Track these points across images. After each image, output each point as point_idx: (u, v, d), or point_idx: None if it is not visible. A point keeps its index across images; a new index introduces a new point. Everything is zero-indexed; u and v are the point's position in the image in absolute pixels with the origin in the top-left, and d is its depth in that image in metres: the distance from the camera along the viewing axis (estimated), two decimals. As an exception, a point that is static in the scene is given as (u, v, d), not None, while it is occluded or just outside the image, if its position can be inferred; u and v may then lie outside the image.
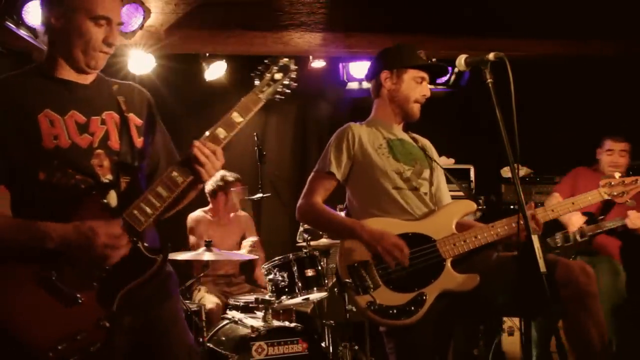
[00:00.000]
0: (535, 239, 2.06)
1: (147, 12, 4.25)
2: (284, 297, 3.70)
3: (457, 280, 2.49)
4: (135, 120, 2.05)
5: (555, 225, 4.17)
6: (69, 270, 1.76)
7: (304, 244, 3.97)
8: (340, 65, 5.64)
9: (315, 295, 3.83)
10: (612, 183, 2.84)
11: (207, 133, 1.88)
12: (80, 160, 1.88)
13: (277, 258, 3.83)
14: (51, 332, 1.72)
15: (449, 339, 2.72)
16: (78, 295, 1.75)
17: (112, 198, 1.86)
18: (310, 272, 3.74)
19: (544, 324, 4.01)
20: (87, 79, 2.01)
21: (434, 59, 2.86)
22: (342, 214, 2.92)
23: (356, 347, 3.97)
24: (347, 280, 2.48)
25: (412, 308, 2.45)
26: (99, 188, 1.87)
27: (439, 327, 2.57)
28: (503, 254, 2.66)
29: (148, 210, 1.83)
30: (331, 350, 3.99)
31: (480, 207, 2.73)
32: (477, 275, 2.48)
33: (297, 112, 5.98)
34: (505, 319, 4.45)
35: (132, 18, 4.22)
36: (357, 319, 3.93)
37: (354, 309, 3.57)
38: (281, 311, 4.15)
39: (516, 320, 4.42)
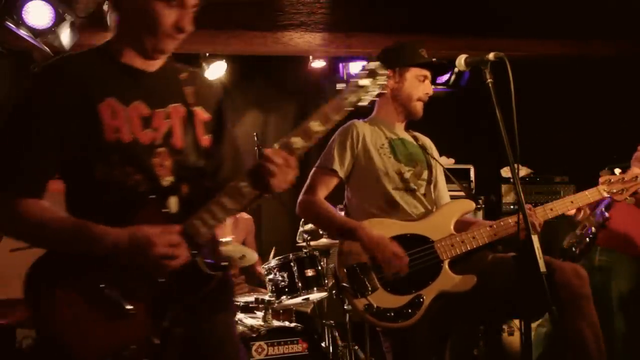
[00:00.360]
0: (535, 239, 2.06)
1: (147, 12, 4.24)
2: (284, 297, 3.70)
3: (455, 281, 2.49)
4: (202, 115, 1.85)
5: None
6: (121, 279, 1.61)
7: (304, 244, 3.97)
8: (340, 65, 5.63)
9: (315, 295, 3.83)
10: (612, 180, 2.83)
11: (280, 141, 1.71)
12: (141, 158, 1.70)
13: (277, 258, 3.83)
14: (97, 344, 1.59)
15: (446, 339, 2.72)
16: (129, 307, 1.60)
17: (173, 204, 1.70)
18: (310, 272, 3.74)
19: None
20: (154, 66, 1.81)
21: (434, 59, 2.85)
22: (342, 213, 2.91)
23: (356, 347, 3.97)
24: (344, 284, 2.48)
25: (410, 310, 2.45)
26: (160, 192, 1.70)
27: (436, 327, 2.57)
28: (499, 254, 2.66)
29: (210, 221, 1.66)
30: (331, 350, 3.98)
31: (479, 206, 2.73)
32: (474, 276, 2.48)
33: (297, 112, 5.97)
34: (505, 318, 4.44)
35: (132, 18, 4.22)
36: (357, 319, 3.92)
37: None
38: (281, 311, 4.15)
39: (516, 320, 4.42)
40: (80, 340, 1.58)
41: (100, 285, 1.59)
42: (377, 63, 1.79)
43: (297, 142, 1.69)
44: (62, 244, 1.63)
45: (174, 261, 1.59)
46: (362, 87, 1.77)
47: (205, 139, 1.84)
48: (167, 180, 1.72)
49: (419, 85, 2.78)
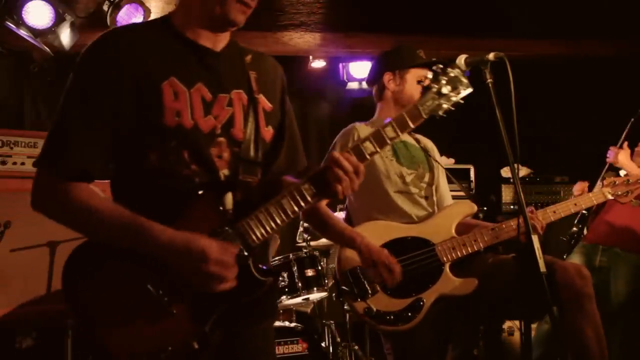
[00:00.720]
0: (535, 239, 2.06)
1: (147, 12, 4.25)
2: (284, 297, 3.69)
3: (455, 284, 2.49)
4: (265, 104, 1.71)
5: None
6: (167, 278, 1.50)
7: (304, 244, 3.97)
8: (340, 65, 5.63)
9: (315, 295, 3.83)
10: (616, 182, 2.82)
11: (351, 144, 1.62)
12: (200, 146, 1.56)
13: (277, 258, 3.83)
14: (134, 343, 1.49)
15: (447, 341, 2.72)
16: (172, 308, 1.50)
17: (228, 200, 1.57)
18: (310, 272, 3.73)
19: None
20: (219, 45, 1.66)
21: (433, 59, 2.85)
22: (342, 214, 2.91)
23: (356, 347, 3.97)
24: (344, 287, 2.47)
25: (410, 314, 2.44)
26: (216, 187, 1.57)
27: (437, 329, 2.57)
28: (500, 256, 2.66)
29: (268, 225, 1.55)
30: (331, 350, 3.98)
31: (481, 209, 2.72)
32: (475, 279, 2.48)
33: (297, 112, 5.90)
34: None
35: (132, 18, 4.23)
36: (357, 319, 3.92)
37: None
38: (281, 311, 4.14)
39: (516, 320, 4.42)
40: (117, 337, 1.49)
41: (148, 285, 1.49)
42: (457, 70, 1.72)
43: (369, 147, 1.61)
44: (110, 236, 1.49)
45: (220, 284, 1.47)
46: (443, 95, 1.69)
47: (267, 132, 1.71)
48: (223, 173, 1.60)
49: (419, 87, 2.78)
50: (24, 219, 3.16)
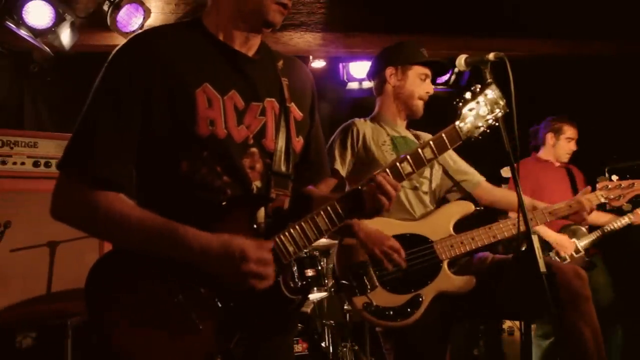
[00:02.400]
0: (535, 238, 2.05)
1: (147, 12, 4.25)
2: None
3: (454, 282, 2.50)
4: (296, 112, 1.65)
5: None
6: (196, 292, 1.45)
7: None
8: (340, 65, 5.63)
9: (315, 295, 3.83)
10: (609, 186, 2.86)
11: (388, 165, 1.59)
12: (233, 157, 1.50)
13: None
14: (157, 357, 1.43)
15: (447, 341, 2.72)
16: (199, 324, 1.43)
17: (260, 215, 1.51)
18: (310, 272, 3.74)
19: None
20: (252, 48, 1.60)
21: (436, 59, 2.86)
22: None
23: (356, 347, 3.97)
24: (344, 281, 2.48)
25: (409, 309, 2.45)
26: (249, 201, 1.52)
27: (437, 328, 2.57)
28: (499, 255, 2.66)
29: (300, 242, 1.51)
30: (331, 350, 3.98)
31: (478, 208, 2.73)
32: (473, 277, 2.49)
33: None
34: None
35: (132, 18, 4.23)
36: (357, 319, 3.92)
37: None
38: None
39: (516, 320, 4.42)
40: (142, 352, 1.43)
41: (178, 297, 1.43)
42: (496, 91, 1.68)
43: (407, 168, 1.59)
44: (144, 244, 1.42)
45: (262, 282, 1.42)
46: (480, 117, 1.66)
47: (298, 142, 1.65)
48: (256, 185, 1.54)
49: (420, 84, 2.80)
50: (24, 219, 3.16)
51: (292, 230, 1.50)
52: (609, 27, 4.71)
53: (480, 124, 1.66)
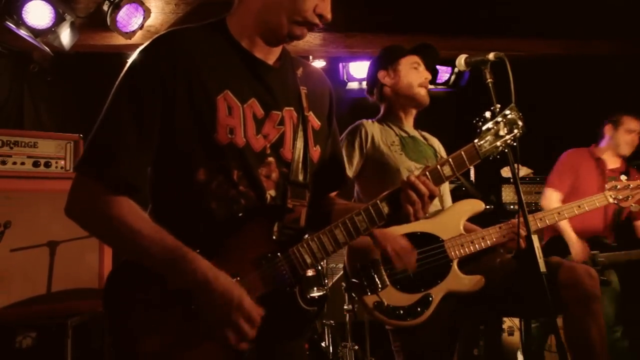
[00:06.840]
0: (535, 238, 2.06)
1: (147, 12, 4.25)
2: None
3: (463, 281, 2.50)
4: (314, 121, 1.64)
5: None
6: None
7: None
8: (340, 65, 5.63)
9: (315, 295, 3.82)
10: (618, 186, 2.85)
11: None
12: (250, 167, 1.48)
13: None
14: None
15: (455, 340, 2.72)
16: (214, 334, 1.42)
17: (276, 225, 1.50)
18: (310, 272, 3.73)
19: (543, 322, 4.00)
20: (273, 56, 1.57)
21: (418, 44, 2.89)
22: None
23: (356, 347, 3.97)
24: (354, 280, 2.47)
25: (419, 309, 2.45)
26: (264, 211, 1.50)
27: (446, 327, 2.57)
28: (506, 256, 2.66)
29: (318, 254, 1.50)
30: (331, 350, 3.98)
31: (488, 207, 2.72)
32: (482, 277, 2.49)
33: (297, 112, 5.96)
34: (505, 319, 4.45)
35: (132, 18, 4.23)
36: (357, 319, 3.92)
37: (359, 308, 3.57)
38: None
39: (516, 320, 4.42)
40: (161, 357, 1.42)
41: (193, 306, 1.40)
42: (515, 112, 1.68)
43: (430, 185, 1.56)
44: (148, 262, 1.40)
45: (238, 338, 1.39)
46: (499, 137, 1.66)
47: (315, 152, 1.63)
48: (270, 194, 1.51)
49: (415, 72, 2.83)
50: (24, 219, 3.16)
51: (310, 242, 1.50)
52: (610, 27, 4.72)
53: (498, 144, 1.67)
